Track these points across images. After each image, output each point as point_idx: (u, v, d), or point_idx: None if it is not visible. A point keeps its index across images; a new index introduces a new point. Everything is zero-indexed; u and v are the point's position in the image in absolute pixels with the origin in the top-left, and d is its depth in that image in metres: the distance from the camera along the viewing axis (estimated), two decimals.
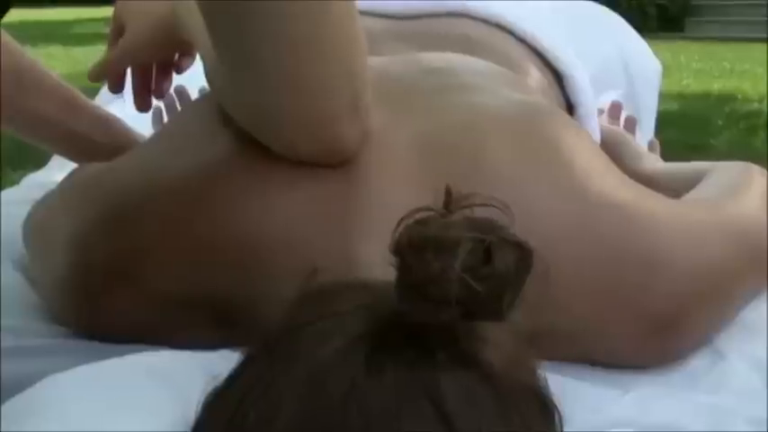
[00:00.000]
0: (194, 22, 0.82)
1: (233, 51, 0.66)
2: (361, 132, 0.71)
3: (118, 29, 0.99)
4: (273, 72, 0.65)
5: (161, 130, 0.84)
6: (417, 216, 0.44)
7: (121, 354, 0.64)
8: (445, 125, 0.76)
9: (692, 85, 5.51)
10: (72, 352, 0.74)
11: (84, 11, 12.13)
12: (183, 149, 0.77)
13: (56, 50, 7.76)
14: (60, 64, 6.59)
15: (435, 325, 0.43)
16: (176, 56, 1.00)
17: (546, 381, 0.46)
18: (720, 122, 4.34)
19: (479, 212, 0.44)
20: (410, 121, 0.76)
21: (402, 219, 0.44)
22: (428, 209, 0.44)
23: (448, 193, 0.44)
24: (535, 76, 1.04)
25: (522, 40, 1.11)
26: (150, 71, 1.01)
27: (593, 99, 1.14)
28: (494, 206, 0.45)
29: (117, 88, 1.02)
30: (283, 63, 0.64)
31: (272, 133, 0.70)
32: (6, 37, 0.95)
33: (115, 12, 1.00)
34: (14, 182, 1.47)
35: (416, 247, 0.42)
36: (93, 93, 1.56)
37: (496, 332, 0.44)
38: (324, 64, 0.65)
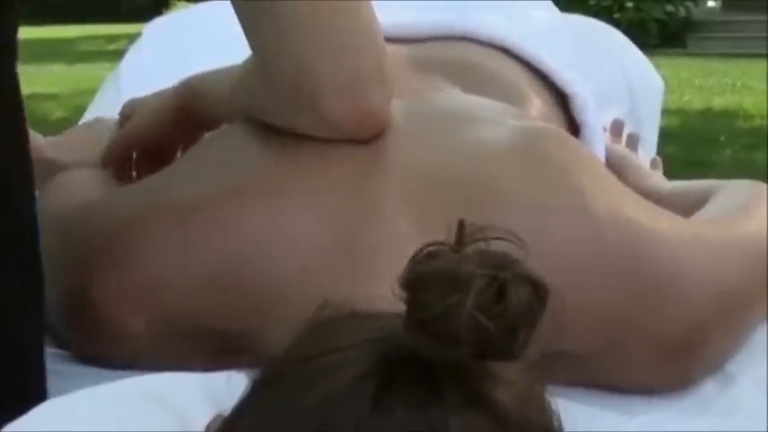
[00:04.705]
0: (218, 85, 0.87)
1: (264, 20, 0.72)
2: (388, 105, 0.75)
3: (125, 117, 0.98)
4: (301, 34, 0.71)
5: (178, 159, 0.84)
6: (428, 249, 0.42)
7: (119, 378, 0.63)
8: (454, 158, 0.77)
9: (693, 101, 5.52)
10: (70, 376, 0.74)
11: (87, 28, 12.16)
12: (197, 179, 0.78)
13: (59, 68, 7.78)
14: (63, 81, 6.62)
15: (445, 363, 0.41)
16: (179, 151, 0.97)
17: (559, 418, 0.45)
18: (722, 139, 4.35)
19: (493, 245, 0.43)
20: (421, 157, 0.76)
21: (415, 253, 0.42)
22: (440, 243, 0.42)
23: (461, 226, 0.42)
24: (537, 103, 1.03)
25: (526, 62, 1.11)
26: (152, 157, 0.96)
27: (599, 119, 1.13)
28: (508, 240, 0.43)
29: (122, 175, 0.96)
30: (309, 24, 0.71)
31: (307, 104, 0.72)
32: None
33: (124, 106, 0.99)
34: None
35: (426, 282, 0.41)
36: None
37: (509, 370, 0.42)
38: (346, 22, 0.72)
